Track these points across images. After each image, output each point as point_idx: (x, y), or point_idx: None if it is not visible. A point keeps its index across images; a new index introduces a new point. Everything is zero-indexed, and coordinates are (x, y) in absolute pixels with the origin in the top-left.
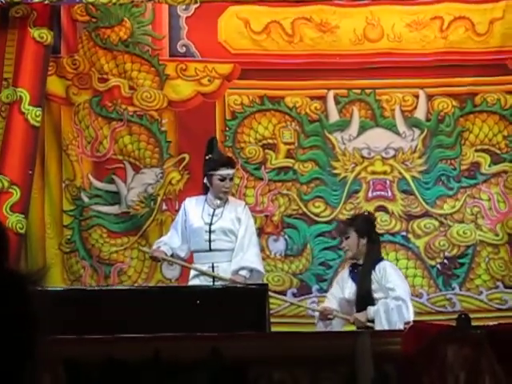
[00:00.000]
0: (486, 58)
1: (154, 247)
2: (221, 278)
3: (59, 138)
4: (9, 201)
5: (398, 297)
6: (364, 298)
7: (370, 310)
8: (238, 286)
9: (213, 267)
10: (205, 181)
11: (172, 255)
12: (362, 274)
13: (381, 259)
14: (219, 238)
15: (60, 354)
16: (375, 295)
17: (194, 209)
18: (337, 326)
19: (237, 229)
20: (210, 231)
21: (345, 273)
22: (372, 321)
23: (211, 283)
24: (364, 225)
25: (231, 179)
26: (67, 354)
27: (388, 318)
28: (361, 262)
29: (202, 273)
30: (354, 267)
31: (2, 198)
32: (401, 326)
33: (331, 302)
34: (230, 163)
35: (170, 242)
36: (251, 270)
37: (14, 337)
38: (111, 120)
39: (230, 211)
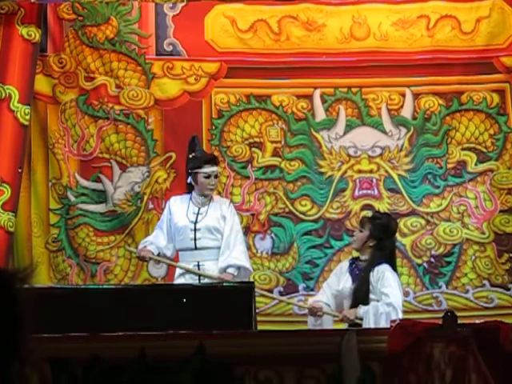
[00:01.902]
0: (473, 57)
1: (140, 247)
2: (208, 276)
3: (45, 136)
4: (0, 199)
5: (390, 303)
6: (360, 298)
7: (361, 308)
8: (225, 284)
9: (198, 266)
10: (189, 180)
11: (159, 254)
12: (362, 276)
13: (381, 262)
14: (204, 236)
15: (46, 353)
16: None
17: (179, 208)
18: (327, 320)
19: (222, 227)
20: (195, 229)
21: (344, 265)
22: (361, 319)
23: (197, 281)
24: (378, 229)
25: (216, 176)
26: (53, 352)
27: (376, 321)
28: (362, 258)
29: (190, 271)
30: (354, 262)
31: None
32: None
33: (324, 294)
34: (213, 160)
35: (156, 241)
36: (239, 268)
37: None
38: (98, 118)
39: (215, 209)
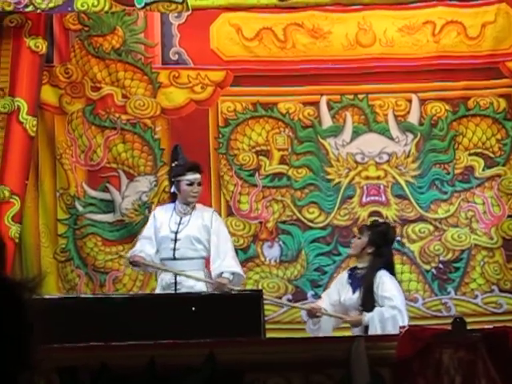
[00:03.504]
0: (479, 62)
1: (129, 255)
2: (205, 281)
3: (53, 147)
4: (10, 211)
5: (395, 306)
6: (368, 307)
7: (365, 316)
8: (233, 292)
9: (175, 276)
10: (172, 189)
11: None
12: (365, 285)
13: (380, 268)
14: (184, 246)
15: (54, 362)
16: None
17: (163, 217)
18: (326, 325)
19: (204, 237)
20: (175, 240)
21: (343, 277)
22: (366, 327)
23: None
24: (377, 236)
25: (199, 184)
26: (62, 361)
27: (383, 327)
28: (360, 266)
29: (187, 276)
30: (353, 271)
31: (3, 208)
32: None
33: (323, 302)
34: (196, 168)
35: (145, 249)
36: (233, 273)
37: (9, 345)
38: (104, 128)
39: (197, 218)
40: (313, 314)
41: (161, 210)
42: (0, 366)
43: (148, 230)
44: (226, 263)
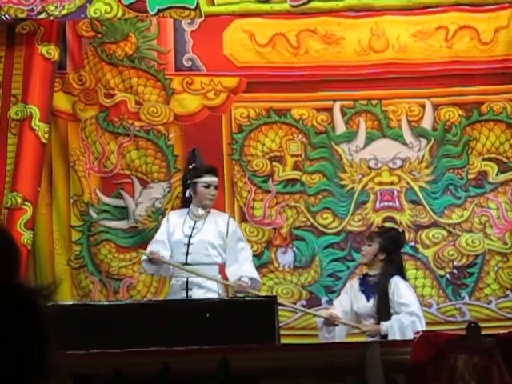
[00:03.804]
0: (492, 67)
1: (148, 252)
2: (226, 284)
3: (66, 154)
4: (23, 217)
5: (413, 312)
6: (383, 315)
7: (383, 325)
8: (247, 298)
9: (187, 282)
10: (187, 193)
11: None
12: (380, 292)
13: (393, 274)
14: (197, 251)
15: (69, 369)
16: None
17: (176, 221)
18: (339, 333)
19: (218, 243)
20: (188, 244)
21: (355, 284)
22: (385, 336)
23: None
24: (388, 242)
25: (216, 187)
26: (76, 368)
27: (402, 334)
28: (372, 273)
29: (207, 278)
30: (364, 279)
31: (15, 215)
32: None
33: (336, 308)
34: (213, 171)
35: (160, 251)
36: (251, 279)
37: (26, 352)
38: (118, 135)
39: (211, 223)
40: (331, 322)
41: (174, 214)
42: (16, 374)
43: (161, 234)
44: (244, 268)
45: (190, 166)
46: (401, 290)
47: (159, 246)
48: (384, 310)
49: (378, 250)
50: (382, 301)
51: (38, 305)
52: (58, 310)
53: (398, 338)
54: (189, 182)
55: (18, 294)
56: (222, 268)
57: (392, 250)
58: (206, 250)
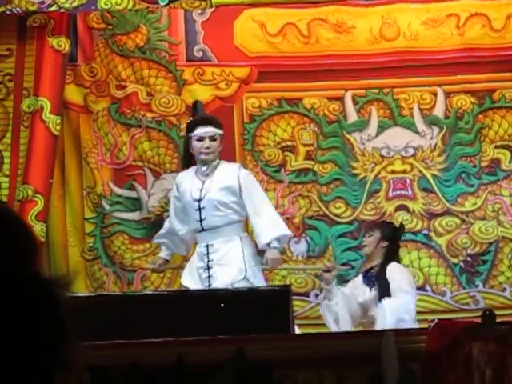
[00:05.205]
0: (504, 54)
1: (155, 241)
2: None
3: (78, 146)
4: (34, 210)
5: (401, 290)
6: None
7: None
8: (261, 288)
9: (207, 247)
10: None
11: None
12: (380, 282)
13: (389, 262)
14: (210, 214)
15: (85, 360)
16: None
17: (185, 184)
18: (345, 327)
19: (230, 200)
20: (199, 208)
21: (357, 280)
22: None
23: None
24: (390, 231)
25: (213, 139)
26: (92, 360)
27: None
28: (374, 264)
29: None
30: (367, 273)
31: (27, 207)
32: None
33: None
34: (208, 120)
35: (172, 231)
36: (278, 239)
37: (45, 342)
38: (130, 127)
39: (219, 180)
40: (328, 268)
41: (182, 176)
42: (36, 363)
43: (171, 208)
44: (268, 226)
45: (188, 121)
46: (392, 274)
47: (168, 223)
48: (385, 296)
49: (379, 238)
50: (382, 288)
51: (57, 294)
52: (74, 301)
53: (392, 320)
54: (186, 139)
55: (37, 284)
56: (245, 224)
57: (393, 237)
58: (218, 210)
